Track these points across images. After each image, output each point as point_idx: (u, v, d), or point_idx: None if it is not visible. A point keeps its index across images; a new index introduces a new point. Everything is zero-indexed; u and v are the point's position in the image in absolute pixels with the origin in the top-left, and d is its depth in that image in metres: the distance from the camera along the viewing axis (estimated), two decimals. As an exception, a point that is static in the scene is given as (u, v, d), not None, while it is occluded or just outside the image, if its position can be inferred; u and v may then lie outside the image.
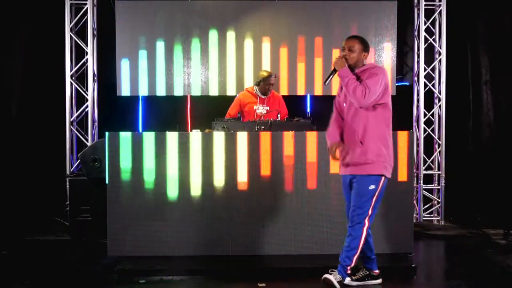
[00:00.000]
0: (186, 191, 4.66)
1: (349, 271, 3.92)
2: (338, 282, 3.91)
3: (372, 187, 3.84)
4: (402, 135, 4.72)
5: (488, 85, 6.81)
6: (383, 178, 3.86)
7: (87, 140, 6.37)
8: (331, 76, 4.01)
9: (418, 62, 6.63)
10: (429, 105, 6.64)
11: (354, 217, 3.89)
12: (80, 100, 6.46)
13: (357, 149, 3.85)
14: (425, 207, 6.69)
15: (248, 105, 5.70)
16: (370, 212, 3.87)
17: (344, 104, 3.96)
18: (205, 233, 4.65)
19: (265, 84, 5.66)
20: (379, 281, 4.07)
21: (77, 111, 6.44)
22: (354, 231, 3.88)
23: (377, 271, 4.08)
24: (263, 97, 5.71)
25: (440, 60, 6.59)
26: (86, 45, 6.37)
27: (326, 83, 4.06)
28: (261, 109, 5.64)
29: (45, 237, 5.70)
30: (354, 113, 3.89)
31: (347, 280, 4.00)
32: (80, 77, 6.48)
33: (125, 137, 4.66)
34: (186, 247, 4.64)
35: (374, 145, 3.83)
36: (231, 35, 6.27)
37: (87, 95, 6.40)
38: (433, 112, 6.66)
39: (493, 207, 6.43)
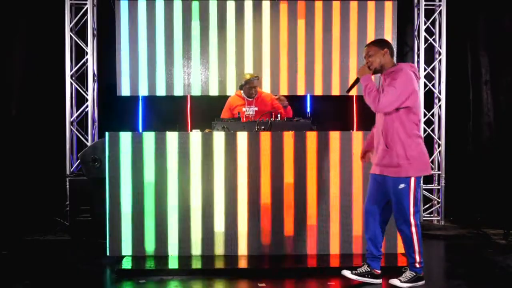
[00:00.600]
0: (186, 191, 4.66)
1: (417, 265, 3.95)
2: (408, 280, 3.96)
3: (402, 186, 3.87)
4: (402, 135, 4.70)
5: (488, 85, 6.81)
6: (412, 178, 3.89)
7: (87, 140, 6.38)
8: (354, 85, 4.12)
9: (418, 62, 6.63)
10: (429, 105, 6.64)
11: (398, 217, 3.95)
12: (80, 100, 6.46)
13: (383, 152, 3.91)
14: (425, 207, 6.69)
15: (236, 108, 5.71)
16: (411, 210, 3.90)
17: None
18: (205, 233, 4.65)
19: (248, 87, 5.66)
20: (379, 281, 4.07)
21: (77, 111, 6.44)
22: (402, 232, 3.97)
23: (379, 271, 4.09)
24: (249, 99, 5.71)
25: (440, 60, 6.59)
26: (86, 45, 6.37)
27: (348, 92, 4.14)
28: (249, 111, 5.63)
29: (45, 237, 5.70)
30: (380, 116, 3.97)
31: (346, 273, 4.03)
32: (80, 77, 6.49)
33: (125, 137, 4.66)
34: (186, 247, 4.64)
35: (399, 148, 3.87)
36: (231, 35, 6.28)
37: (87, 95, 6.40)
38: (433, 112, 6.66)
39: (493, 207, 6.43)
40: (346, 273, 4.06)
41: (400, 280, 3.97)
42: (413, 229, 3.91)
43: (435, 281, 4.44)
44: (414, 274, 3.96)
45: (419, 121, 3.99)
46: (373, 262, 4.07)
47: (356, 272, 4.06)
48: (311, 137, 4.71)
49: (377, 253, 4.06)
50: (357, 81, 4.07)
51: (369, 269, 4.06)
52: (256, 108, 5.60)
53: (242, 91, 5.74)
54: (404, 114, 3.88)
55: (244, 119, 5.47)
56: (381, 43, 4.01)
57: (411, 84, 3.82)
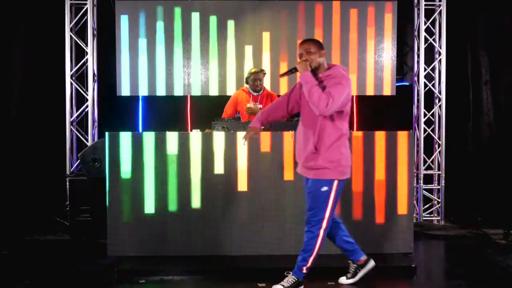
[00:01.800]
0: (186, 191, 4.66)
1: (305, 271, 3.90)
2: (290, 285, 3.91)
3: (324, 188, 3.81)
4: (402, 135, 4.71)
5: (488, 85, 6.81)
6: (335, 181, 3.82)
7: (87, 140, 6.38)
8: (289, 73, 3.98)
9: (418, 62, 6.63)
10: (429, 105, 6.64)
11: (312, 218, 3.86)
12: (80, 100, 6.46)
13: (311, 154, 3.83)
14: (425, 207, 6.69)
15: (241, 103, 5.70)
16: (328, 214, 3.84)
17: (302, 109, 3.95)
18: (205, 233, 4.65)
19: (253, 78, 5.62)
20: (372, 264, 4.10)
21: (77, 111, 6.44)
22: (310, 233, 3.89)
23: (363, 257, 4.09)
24: (255, 94, 5.68)
25: (440, 60, 6.59)
26: (86, 45, 6.37)
27: (281, 76, 4.02)
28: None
29: (45, 237, 5.70)
30: (310, 116, 3.84)
31: (343, 280, 4.07)
32: (80, 77, 6.49)
33: (125, 137, 4.66)
34: (186, 247, 4.64)
35: (328, 152, 3.79)
36: (231, 35, 6.28)
37: (87, 95, 6.40)
38: (433, 112, 6.66)
39: (493, 207, 6.43)
40: (343, 280, 4.10)
41: (282, 285, 3.90)
42: (321, 233, 3.84)
43: (435, 281, 4.45)
44: (296, 279, 3.91)
45: (348, 123, 3.92)
46: (354, 255, 4.09)
47: (349, 275, 4.08)
48: (311, 137, 4.70)
49: (349, 247, 4.07)
50: (293, 70, 3.90)
51: (356, 264, 4.09)
52: (261, 105, 5.59)
53: (248, 86, 5.72)
54: (338, 118, 3.81)
55: (248, 116, 5.46)
56: (320, 44, 3.88)
57: (351, 89, 3.81)
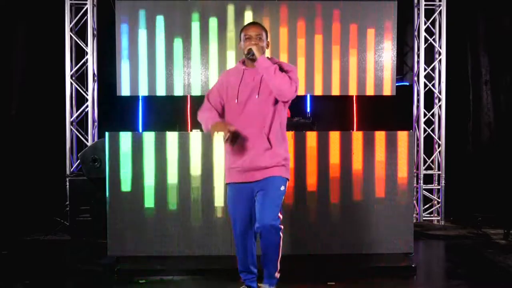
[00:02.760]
0: (186, 191, 4.65)
1: (277, 275, 3.59)
2: None
3: (282, 188, 3.51)
4: (402, 135, 4.71)
5: (488, 85, 6.81)
6: (287, 181, 3.57)
7: (87, 140, 6.38)
8: (249, 56, 3.53)
9: (418, 62, 6.63)
10: (429, 105, 6.64)
11: (269, 221, 3.43)
12: (80, 100, 6.46)
13: (266, 152, 3.49)
14: (425, 207, 6.69)
15: None
16: (281, 214, 3.50)
17: (236, 100, 3.53)
18: (205, 233, 4.64)
19: None
20: None
21: (77, 111, 6.44)
22: (271, 236, 3.51)
23: None
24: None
25: (440, 60, 6.59)
26: (86, 45, 6.37)
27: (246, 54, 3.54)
28: None
29: (45, 237, 5.70)
30: (258, 110, 3.50)
31: None
32: (80, 77, 6.49)
33: (125, 137, 4.66)
34: (186, 247, 4.64)
35: (281, 148, 3.54)
36: (231, 35, 6.27)
37: (87, 95, 6.40)
38: (433, 112, 6.66)
39: (493, 207, 6.44)
40: None
41: None
42: (281, 234, 3.48)
43: (435, 281, 4.44)
44: None
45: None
46: (253, 283, 3.70)
47: None
48: (311, 137, 4.71)
49: (255, 271, 3.70)
50: (251, 53, 3.49)
51: None
52: None
53: None
54: (284, 110, 3.57)
55: None
56: (267, 33, 3.63)
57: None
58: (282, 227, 3.48)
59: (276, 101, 3.52)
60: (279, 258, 3.54)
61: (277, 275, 3.57)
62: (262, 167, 3.50)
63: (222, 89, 3.65)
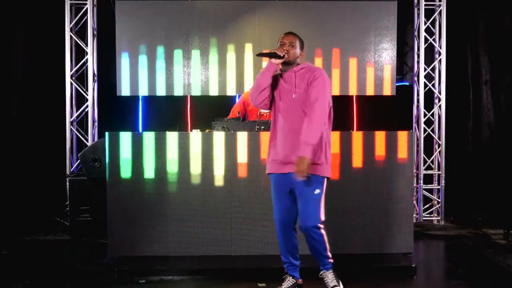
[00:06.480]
0: (186, 191, 4.65)
1: (331, 260, 3.78)
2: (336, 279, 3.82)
3: (318, 191, 3.66)
4: (402, 135, 4.71)
5: (488, 85, 6.81)
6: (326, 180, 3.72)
7: (87, 140, 6.38)
8: (267, 55, 3.72)
9: (418, 62, 6.63)
10: (429, 105, 6.65)
11: (310, 218, 3.64)
12: (80, 100, 6.47)
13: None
14: (425, 207, 6.69)
15: (251, 104, 5.68)
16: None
17: (280, 102, 3.75)
18: (205, 233, 4.65)
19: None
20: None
21: (77, 111, 6.44)
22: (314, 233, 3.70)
23: (300, 279, 3.89)
24: None
25: (440, 60, 6.60)
26: (86, 45, 6.38)
27: (258, 56, 3.79)
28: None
29: (45, 237, 5.71)
30: (297, 112, 3.69)
31: None
32: (80, 77, 6.49)
33: (125, 137, 4.66)
34: (186, 247, 4.64)
35: (319, 147, 3.65)
36: (231, 35, 6.28)
37: (87, 95, 6.40)
38: (433, 112, 6.66)
39: (493, 207, 6.44)
40: None
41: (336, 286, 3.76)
42: (323, 231, 3.66)
43: (435, 281, 4.44)
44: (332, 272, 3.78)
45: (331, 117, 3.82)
46: (295, 272, 3.88)
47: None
48: (311, 137, 4.70)
49: (297, 262, 3.87)
50: (272, 54, 3.67)
51: (294, 281, 3.87)
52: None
53: None
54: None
55: (258, 115, 5.43)
56: (303, 44, 3.79)
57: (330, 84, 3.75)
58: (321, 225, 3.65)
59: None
60: (327, 248, 3.72)
61: (331, 260, 3.78)
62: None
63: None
